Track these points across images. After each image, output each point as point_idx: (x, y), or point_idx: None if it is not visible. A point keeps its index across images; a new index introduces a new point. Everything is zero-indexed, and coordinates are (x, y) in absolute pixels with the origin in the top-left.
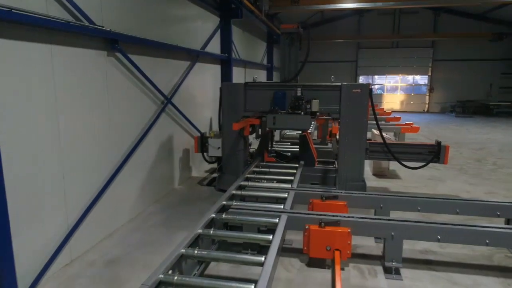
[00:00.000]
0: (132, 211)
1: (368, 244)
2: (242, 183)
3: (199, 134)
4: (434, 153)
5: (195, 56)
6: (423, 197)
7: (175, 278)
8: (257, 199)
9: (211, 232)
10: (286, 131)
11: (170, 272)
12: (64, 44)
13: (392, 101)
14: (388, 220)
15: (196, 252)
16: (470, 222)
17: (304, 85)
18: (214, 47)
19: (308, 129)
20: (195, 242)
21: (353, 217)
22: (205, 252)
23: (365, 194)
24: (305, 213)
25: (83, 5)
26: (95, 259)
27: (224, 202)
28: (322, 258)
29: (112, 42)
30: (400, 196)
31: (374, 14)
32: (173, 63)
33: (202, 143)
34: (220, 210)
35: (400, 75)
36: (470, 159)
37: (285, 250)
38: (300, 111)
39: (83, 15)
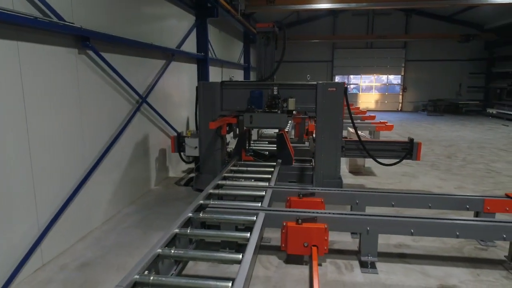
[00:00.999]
0: (107, 213)
1: (344, 240)
2: (220, 182)
3: (175, 134)
4: (407, 150)
5: (170, 55)
6: (397, 193)
7: (151, 278)
8: (235, 197)
9: (188, 231)
10: (263, 131)
11: (146, 272)
12: (32, 41)
13: (367, 101)
14: (364, 215)
15: (173, 251)
16: (442, 216)
17: (280, 84)
18: (190, 46)
19: (285, 128)
20: (172, 242)
21: (329, 213)
22: (182, 252)
23: (341, 190)
24: (282, 210)
25: (52, 0)
26: (67, 262)
27: (201, 201)
28: (300, 254)
29: (83, 40)
30: (375, 192)
31: (348, 15)
32: (148, 62)
33: (179, 142)
34: (197, 209)
35: (374, 75)
36: (441, 156)
37: (264, 248)
38: (276, 110)
39: (51, 11)
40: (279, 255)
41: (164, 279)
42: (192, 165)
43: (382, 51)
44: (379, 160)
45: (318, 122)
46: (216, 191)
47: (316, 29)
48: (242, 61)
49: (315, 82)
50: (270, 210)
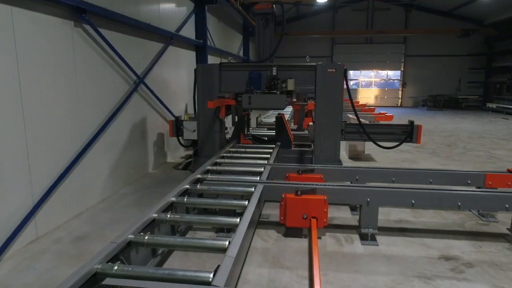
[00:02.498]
0: (104, 192)
1: (344, 216)
2: (218, 160)
3: (173, 119)
4: (407, 133)
5: (169, 38)
6: (397, 169)
7: (146, 238)
8: (233, 173)
9: (185, 199)
10: (263, 118)
11: (141, 233)
12: (26, 8)
13: (366, 96)
14: (363, 187)
15: (169, 216)
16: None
17: (279, 65)
18: (189, 33)
19: (284, 108)
20: (168, 209)
21: (329, 185)
22: (179, 216)
23: (341, 167)
24: (281, 183)
25: None
26: (62, 236)
27: (199, 176)
28: (299, 227)
29: (79, 11)
30: (375, 168)
31: (348, 10)
32: (146, 43)
33: (177, 126)
34: (195, 182)
35: (374, 70)
36: (441, 145)
37: (262, 223)
38: (275, 91)
39: None
40: (278, 229)
41: (160, 238)
42: (191, 152)
43: (381, 47)
44: (379, 143)
45: (318, 104)
46: (214, 168)
47: (315, 25)
48: (241, 54)
49: (314, 63)
50: (268, 183)
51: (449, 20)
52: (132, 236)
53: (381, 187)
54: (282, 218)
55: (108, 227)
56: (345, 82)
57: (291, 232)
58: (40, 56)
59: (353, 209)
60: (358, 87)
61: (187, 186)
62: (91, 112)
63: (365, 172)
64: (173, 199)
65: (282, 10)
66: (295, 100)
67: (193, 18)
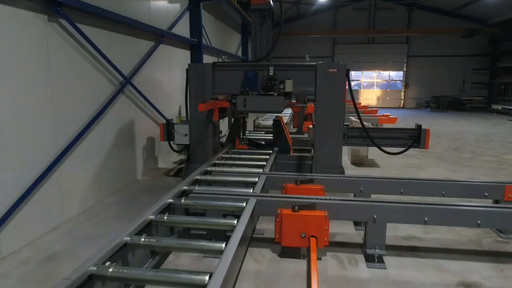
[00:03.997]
0: (85, 202)
1: (347, 231)
2: (209, 168)
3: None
4: (414, 138)
5: (159, 36)
6: (406, 179)
7: (110, 270)
8: (224, 184)
9: (165, 217)
10: (260, 121)
11: (107, 263)
12: None
13: (368, 97)
14: (370, 201)
15: (143, 240)
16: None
17: (277, 65)
18: (183, 31)
19: (282, 111)
20: (146, 229)
21: (330, 199)
22: (154, 240)
23: (343, 177)
24: (276, 196)
25: None
26: (31, 256)
27: (185, 187)
28: (297, 247)
29: (54, 5)
30: (381, 178)
31: (349, 9)
32: (134, 41)
33: (169, 130)
34: (180, 196)
35: (376, 71)
36: (448, 148)
37: (256, 241)
38: (272, 92)
39: None
40: (273, 248)
41: (126, 271)
42: (184, 157)
43: (383, 47)
44: (384, 148)
45: (318, 106)
46: (204, 177)
47: (316, 24)
48: (240, 54)
49: (314, 63)
50: (262, 196)
51: (452, 20)
52: (94, 268)
53: (390, 202)
54: (277, 236)
55: (84, 244)
56: (347, 83)
57: (287, 251)
58: (6, 54)
59: (357, 223)
60: (360, 88)
61: (170, 201)
62: (69, 115)
63: (371, 183)
64: (152, 217)
65: (280, 6)
66: (294, 101)
67: (187, 15)
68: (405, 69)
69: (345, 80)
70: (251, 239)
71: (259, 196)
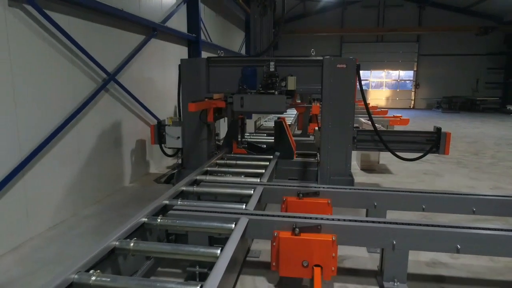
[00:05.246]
0: (57, 215)
1: (358, 255)
2: (199, 177)
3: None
4: (433, 142)
5: (151, 29)
6: (429, 192)
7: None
8: (215, 197)
9: (132, 244)
10: (263, 122)
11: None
12: None
13: (377, 97)
14: (388, 223)
15: (93, 279)
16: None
17: (278, 60)
18: (179, 25)
19: (284, 112)
20: (107, 260)
21: (339, 219)
22: (108, 279)
23: (354, 189)
24: (273, 215)
25: None
26: None
27: (166, 202)
28: (297, 277)
29: None
30: (398, 191)
31: (357, 6)
32: (120, 34)
33: (160, 132)
34: (157, 213)
35: (385, 70)
36: (466, 153)
37: (249, 265)
38: (273, 91)
39: None
40: (269, 276)
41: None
42: (180, 161)
43: (393, 45)
44: (399, 154)
45: (324, 106)
46: (191, 188)
47: (323, 22)
48: (243, 52)
49: (320, 57)
50: (256, 215)
51: (466, 17)
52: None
53: (412, 224)
54: (273, 264)
55: (45, 268)
56: (357, 80)
57: (286, 282)
58: None
59: (373, 246)
60: (368, 88)
61: (144, 220)
62: (37, 116)
63: (386, 197)
64: (115, 243)
65: None
66: (299, 101)
67: (184, 8)
68: (415, 69)
69: (355, 77)
70: (244, 263)
71: (252, 214)
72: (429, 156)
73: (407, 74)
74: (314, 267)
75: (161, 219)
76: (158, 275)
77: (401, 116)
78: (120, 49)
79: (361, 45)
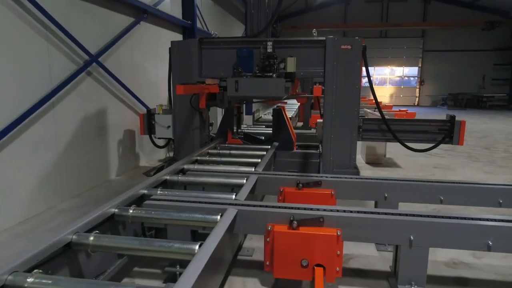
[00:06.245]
0: (29, 209)
1: (366, 253)
2: (186, 166)
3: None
4: (446, 132)
5: (141, 11)
6: (447, 182)
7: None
8: (203, 188)
9: (90, 239)
10: (262, 115)
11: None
12: None
13: (380, 94)
14: (403, 215)
15: (29, 281)
16: None
17: (277, 40)
18: (173, 10)
19: (282, 96)
20: (62, 257)
21: (344, 211)
22: (50, 282)
23: (362, 178)
24: (266, 206)
25: None
26: None
27: (144, 191)
28: (295, 279)
29: None
30: (413, 181)
31: (361, 1)
32: (105, 13)
33: (149, 122)
34: (132, 203)
35: (389, 66)
36: (476, 147)
37: (241, 265)
38: (271, 73)
39: None
40: (263, 278)
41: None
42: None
43: (397, 41)
44: (408, 144)
45: (328, 91)
46: (175, 178)
47: (325, 18)
48: None
49: (323, 38)
50: (246, 205)
51: (472, 12)
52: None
53: (434, 217)
54: (267, 263)
55: None
56: (364, 63)
57: (283, 284)
58: None
59: (385, 243)
60: None
61: (114, 211)
62: (2, 96)
63: (398, 187)
64: (72, 237)
65: None
66: (301, 93)
67: None
68: (420, 65)
69: (360, 60)
70: (234, 263)
71: (241, 205)
72: (438, 150)
73: (411, 71)
74: (315, 267)
75: (134, 210)
76: (134, 276)
77: (407, 110)
78: (106, 30)
79: (364, 41)
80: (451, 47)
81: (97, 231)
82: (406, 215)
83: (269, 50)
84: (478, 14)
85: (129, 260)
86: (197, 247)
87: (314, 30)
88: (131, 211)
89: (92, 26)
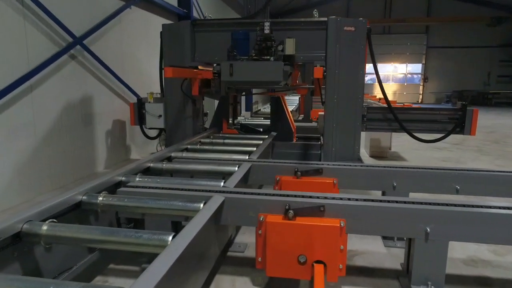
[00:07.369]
0: (3, 201)
1: (372, 249)
2: (174, 154)
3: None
4: (457, 121)
5: None
6: (464, 170)
7: None
8: (191, 176)
9: (43, 228)
10: (262, 108)
11: None
12: None
13: None
14: (418, 203)
15: None
16: None
17: (274, 21)
18: None
19: (281, 82)
20: (11, 248)
21: (349, 199)
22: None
23: (367, 166)
24: (258, 193)
25: None
26: None
27: (121, 178)
28: (292, 278)
29: None
30: (425, 168)
31: None
32: None
33: (140, 111)
34: (105, 190)
35: (392, 63)
36: (486, 141)
37: (231, 262)
38: (269, 57)
39: None
40: (255, 276)
41: None
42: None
43: (401, 37)
44: (416, 134)
45: (329, 77)
46: (160, 165)
47: (327, 13)
48: None
49: (325, 18)
50: (235, 193)
51: (476, 7)
52: None
53: (455, 206)
54: (259, 259)
55: None
56: (368, 47)
57: (277, 284)
58: None
59: (397, 236)
60: (374, 82)
61: (81, 198)
62: None
63: (409, 176)
64: (22, 225)
65: None
66: (301, 84)
67: None
68: (423, 61)
69: (365, 43)
70: (223, 259)
71: (229, 192)
72: (446, 144)
73: (414, 68)
74: (315, 264)
75: (104, 197)
76: (108, 274)
77: (411, 105)
78: (92, 12)
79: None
80: (456, 43)
81: (53, 220)
82: (421, 203)
83: (266, 31)
84: (483, 10)
85: (102, 255)
86: (170, 238)
87: (315, 11)
88: (100, 198)
89: (76, 6)
